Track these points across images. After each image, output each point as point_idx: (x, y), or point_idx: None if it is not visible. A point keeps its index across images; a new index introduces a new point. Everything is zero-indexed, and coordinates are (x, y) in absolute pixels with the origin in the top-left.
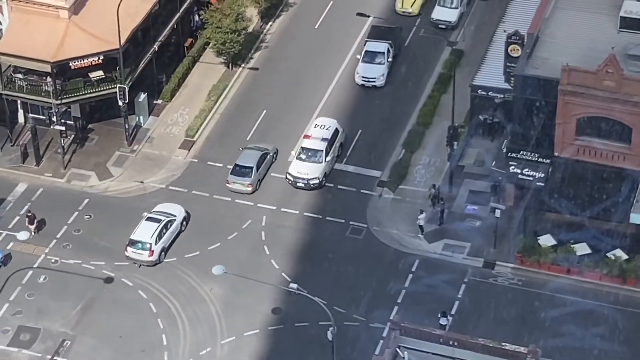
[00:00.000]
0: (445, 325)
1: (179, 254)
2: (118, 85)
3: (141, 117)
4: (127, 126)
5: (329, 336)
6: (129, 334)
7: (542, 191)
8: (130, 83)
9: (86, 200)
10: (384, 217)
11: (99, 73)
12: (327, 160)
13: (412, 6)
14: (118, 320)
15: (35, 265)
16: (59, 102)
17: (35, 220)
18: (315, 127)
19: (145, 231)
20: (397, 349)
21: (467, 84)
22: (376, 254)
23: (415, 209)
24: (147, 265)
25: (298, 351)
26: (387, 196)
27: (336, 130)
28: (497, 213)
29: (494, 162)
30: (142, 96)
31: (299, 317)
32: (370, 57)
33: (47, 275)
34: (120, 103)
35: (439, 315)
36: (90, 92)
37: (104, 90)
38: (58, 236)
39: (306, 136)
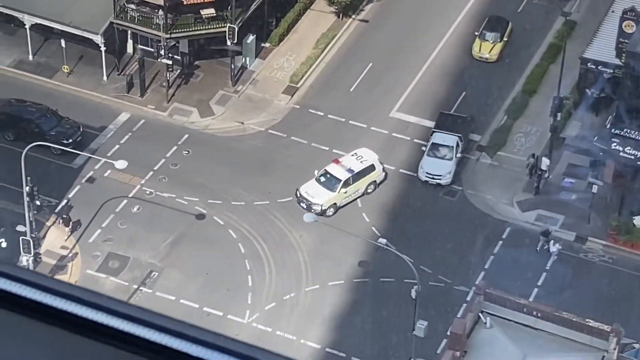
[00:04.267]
0: (555, 251)
1: (272, 198)
2: (228, 24)
3: (247, 59)
4: (232, 66)
5: (413, 294)
6: (215, 272)
7: None
8: (240, 24)
9: (186, 136)
10: (479, 182)
11: (211, 11)
12: (342, 191)
13: (490, 52)
14: (206, 257)
15: (130, 195)
16: (168, 36)
17: (71, 222)
18: (351, 155)
19: None
20: (480, 314)
21: (577, 56)
22: (468, 217)
23: (511, 176)
24: None
25: (380, 306)
26: (484, 161)
27: (371, 167)
28: (595, 189)
29: (596, 137)
30: (251, 38)
31: (385, 273)
32: (437, 150)
33: (140, 205)
34: (228, 43)
35: (542, 237)
36: (200, 29)
37: (213, 28)
38: (155, 168)
39: (335, 161)
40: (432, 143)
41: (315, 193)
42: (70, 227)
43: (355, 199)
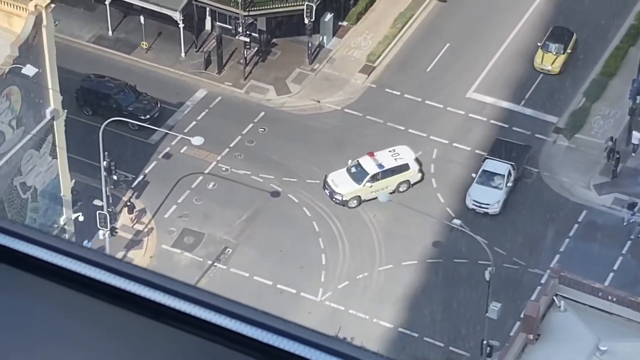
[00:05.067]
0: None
1: None
2: (306, 2)
3: (325, 37)
4: (310, 45)
5: (487, 276)
6: (289, 250)
7: None
8: (318, 2)
9: (262, 113)
10: (556, 164)
11: None
12: (367, 185)
13: (552, 64)
14: (280, 234)
15: (206, 172)
16: (246, 13)
17: (135, 210)
18: (388, 151)
19: None
20: (554, 297)
21: None
22: (544, 200)
23: (588, 159)
24: None
25: (453, 287)
26: (561, 143)
27: (405, 166)
28: None
29: None
30: (328, 16)
31: (458, 254)
32: (487, 178)
33: (216, 182)
34: (306, 21)
35: (626, 209)
36: (278, 7)
37: (291, 6)
38: (231, 145)
39: (370, 154)
40: (483, 170)
41: (340, 182)
42: (134, 214)
43: (376, 195)
